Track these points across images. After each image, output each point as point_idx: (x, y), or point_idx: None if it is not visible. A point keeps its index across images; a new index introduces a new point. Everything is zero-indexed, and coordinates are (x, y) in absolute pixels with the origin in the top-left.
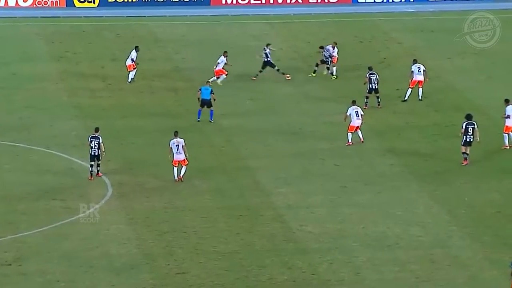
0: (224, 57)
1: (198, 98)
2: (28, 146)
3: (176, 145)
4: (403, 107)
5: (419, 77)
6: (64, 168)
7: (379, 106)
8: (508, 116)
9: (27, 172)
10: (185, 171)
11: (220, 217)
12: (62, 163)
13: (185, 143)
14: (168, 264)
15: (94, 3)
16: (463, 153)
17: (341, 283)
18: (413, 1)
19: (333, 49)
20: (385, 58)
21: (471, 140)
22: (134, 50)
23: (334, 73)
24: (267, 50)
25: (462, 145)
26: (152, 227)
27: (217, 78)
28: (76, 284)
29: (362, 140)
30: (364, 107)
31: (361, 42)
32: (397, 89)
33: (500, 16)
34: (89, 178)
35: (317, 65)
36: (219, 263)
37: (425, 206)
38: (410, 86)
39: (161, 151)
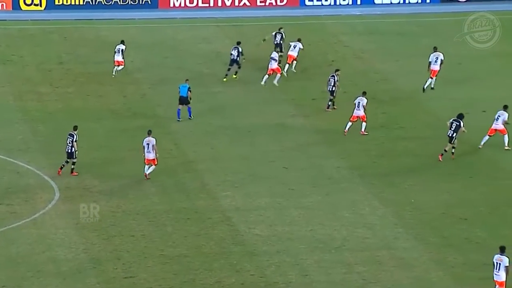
0: (299, 42)
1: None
2: None
3: (146, 144)
4: (351, 110)
5: (435, 67)
6: (10, 172)
7: (328, 109)
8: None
9: None
10: (152, 170)
11: (168, 221)
12: (8, 167)
13: (156, 143)
14: (116, 268)
15: (40, 6)
16: (445, 150)
17: (288, 285)
18: (361, 4)
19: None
20: (333, 61)
21: (450, 135)
22: (121, 44)
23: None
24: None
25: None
26: (100, 231)
27: (289, 64)
28: None
29: (362, 132)
30: (326, 109)
31: (309, 44)
32: (345, 92)
33: (498, 16)
34: (58, 171)
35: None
36: (167, 267)
37: (372, 208)
38: (431, 76)
39: (108, 154)
